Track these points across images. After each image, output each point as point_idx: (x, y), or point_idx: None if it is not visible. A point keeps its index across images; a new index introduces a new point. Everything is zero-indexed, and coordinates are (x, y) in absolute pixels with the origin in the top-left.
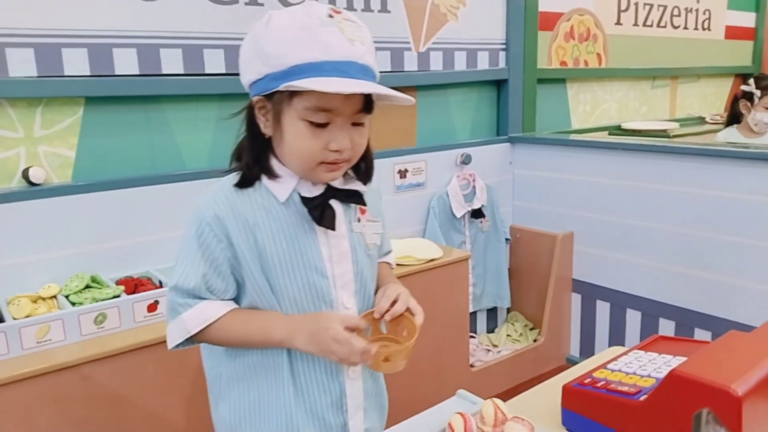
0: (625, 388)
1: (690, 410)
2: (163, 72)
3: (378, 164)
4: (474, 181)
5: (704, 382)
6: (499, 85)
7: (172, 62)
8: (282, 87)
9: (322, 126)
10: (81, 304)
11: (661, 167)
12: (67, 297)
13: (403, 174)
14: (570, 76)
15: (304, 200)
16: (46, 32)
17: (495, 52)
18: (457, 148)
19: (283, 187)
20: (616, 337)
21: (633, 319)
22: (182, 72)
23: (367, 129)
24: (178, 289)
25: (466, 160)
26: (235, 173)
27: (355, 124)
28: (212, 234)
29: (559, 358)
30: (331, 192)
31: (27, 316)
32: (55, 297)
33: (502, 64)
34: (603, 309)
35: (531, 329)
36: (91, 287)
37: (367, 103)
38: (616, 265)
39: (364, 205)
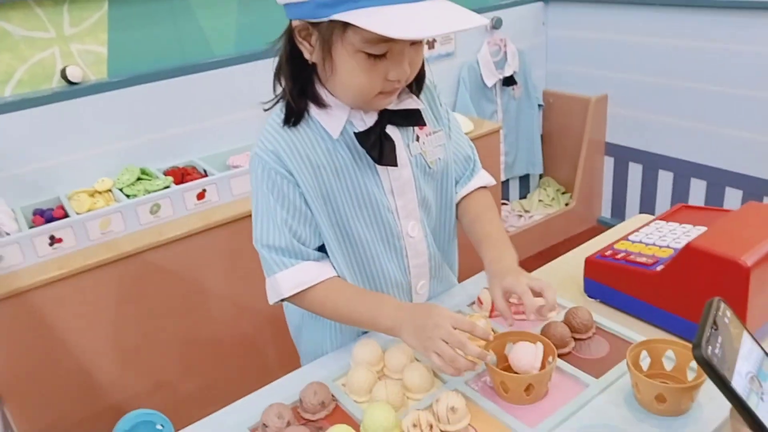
0: (643, 259)
1: (702, 280)
2: None
3: None
4: (505, 46)
5: (715, 254)
6: None
7: None
8: (336, 17)
9: (380, 57)
10: (135, 196)
11: (703, 23)
12: (120, 190)
13: (431, 44)
14: None
15: (359, 137)
16: None
17: None
18: (487, 11)
19: (334, 120)
20: (648, 198)
21: (665, 180)
22: None
23: (423, 41)
24: (265, 246)
25: (497, 24)
26: (279, 108)
27: (414, 43)
28: (279, 176)
29: (590, 221)
30: (386, 117)
31: (88, 210)
32: (109, 190)
33: None
34: (635, 171)
35: (563, 194)
36: (141, 179)
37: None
38: (649, 126)
39: (423, 123)
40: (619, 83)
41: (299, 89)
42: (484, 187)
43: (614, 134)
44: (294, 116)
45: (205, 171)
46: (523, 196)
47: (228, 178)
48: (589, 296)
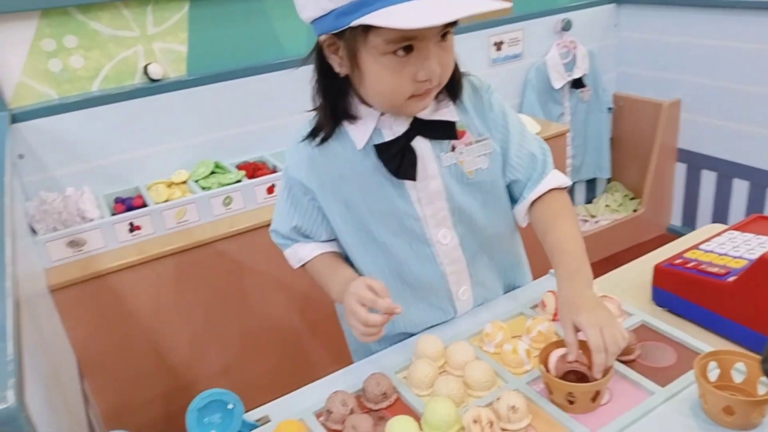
0: (715, 269)
1: None
2: None
3: (472, 38)
4: (575, 48)
5: None
6: None
7: None
8: (355, 23)
9: (406, 55)
10: (209, 188)
11: None
12: (196, 182)
13: (498, 46)
14: None
15: (380, 149)
16: None
17: None
18: (557, 13)
19: (362, 130)
20: (721, 208)
21: (739, 189)
22: None
23: (453, 41)
24: (275, 233)
25: (567, 26)
26: (309, 121)
27: (441, 39)
28: (299, 191)
29: (659, 228)
30: (417, 127)
31: (165, 200)
32: (185, 182)
33: None
34: (708, 179)
35: (631, 199)
36: (215, 172)
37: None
38: (724, 132)
39: (455, 137)
40: (692, 87)
41: (332, 105)
42: (558, 189)
43: (687, 140)
44: (323, 132)
45: (274, 167)
46: (589, 201)
47: None
48: (658, 305)
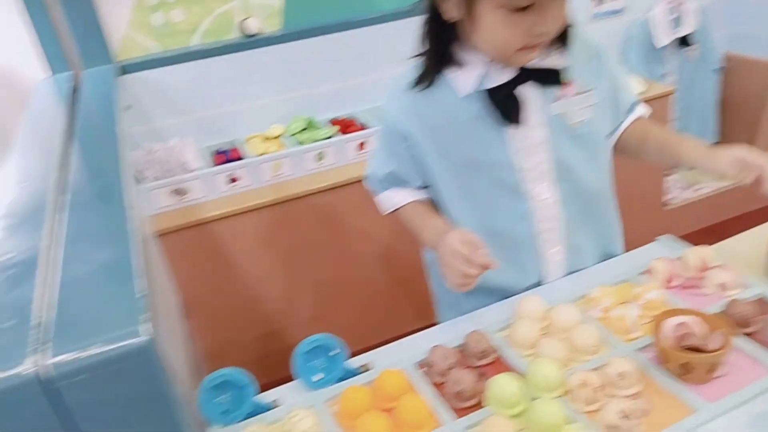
0: None
1: None
2: None
3: None
4: (683, 3)
5: None
6: None
7: None
8: None
9: (524, 10)
10: (302, 143)
11: None
12: (290, 136)
13: (599, 0)
14: None
15: (488, 93)
16: None
17: None
18: None
19: (467, 77)
20: None
21: None
22: None
23: None
24: (369, 178)
25: None
26: (413, 66)
27: None
28: (395, 136)
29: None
30: (524, 74)
31: (261, 154)
32: (280, 137)
33: None
34: None
35: None
36: (308, 128)
37: None
38: None
39: (559, 84)
40: None
41: (439, 51)
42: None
43: None
44: (427, 79)
45: (364, 123)
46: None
47: None
48: None
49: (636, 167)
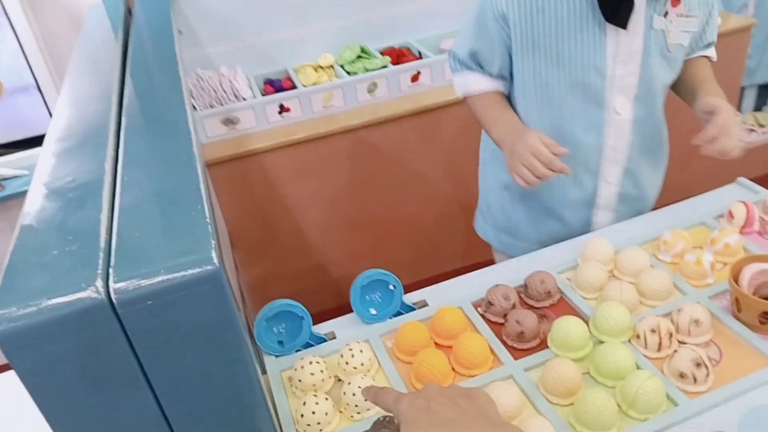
0: None
1: None
2: None
3: None
4: None
5: None
6: None
7: None
8: None
9: None
10: (355, 73)
11: None
12: (341, 66)
13: None
14: None
15: None
16: None
17: None
18: None
19: None
20: None
21: None
22: None
23: None
24: (452, 54)
25: None
26: None
27: None
28: (491, 15)
29: None
30: None
31: (313, 84)
32: (331, 66)
33: None
34: None
35: None
36: (361, 57)
37: None
38: None
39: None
40: None
41: None
42: (709, 58)
43: None
44: None
45: (420, 53)
46: (758, 108)
47: (441, 62)
48: None
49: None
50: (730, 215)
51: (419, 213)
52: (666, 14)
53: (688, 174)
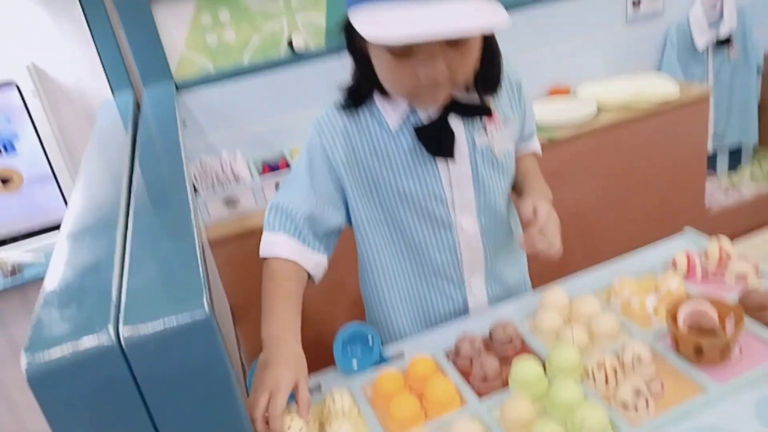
0: None
1: None
2: None
3: None
4: (722, 3)
5: None
6: None
7: None
8: (349, 16)
9: (407, 54)
10: None
11: None
12: None
13: (636, 4)
14: None
15: (418, 130)
16: None
17: None
18: None
19: (396, 110)
20: None
21: None
22: None
23: (476, 42)
24: (278, 209)
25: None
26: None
27: (451, 44)
28: (325, 165)
29: None
30: (451, 106)
31: None
32: None
33: None
34: None
35: None
36: None
37: None
38: None
39: (489, 114)
40: None
41: (363, 78)
42: (536, 154)
43: None
44: (354, 100)
45: None
46: (732, 169)
47: None
48: None
49: (677, 174)
50: (674, 264)
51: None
52: (485, 129)
53: (644, 229)
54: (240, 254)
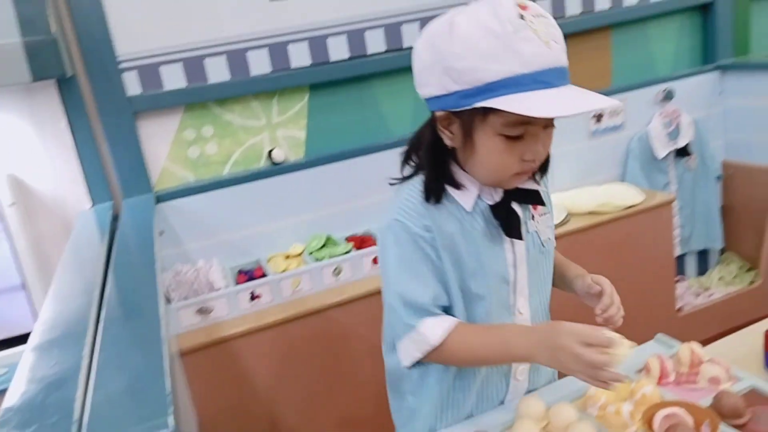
0: None
1: None
2: (369, 52)
3: None
4: (678, 117)
5: None
6: (704, 9)
7: (375, 42)
8: (479, 105)
9: (518, 138)
10: (321, 259)
11: None
12: (310, 254)
13: (598, 118)
14: None
15: (492, 209)
16: (275, 32)
17: None
18: (658, 83)
19: (468, 195)
20: None
21: None
22: (385, 49)
23: (553, 127)
24: (409, 302)
25: (669, 96)
26: (416, 183)
27: (546, 127)
28: (423, 241)
29: None
30: (511, 194)
31: (283, 271)
32: (300, 254)
33: None
34: None
35: (747, 271)
36: (327, 245)
37: None
38: None
39: (542, 203)
40: None
41: (438, 174)
42: None
43: None
44: (434, 196)
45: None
46: (701, 273)
47: None
48: None
49: (647, 277)
50: (648, 369)
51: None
52: (533, 217)
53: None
54: (211, 365)
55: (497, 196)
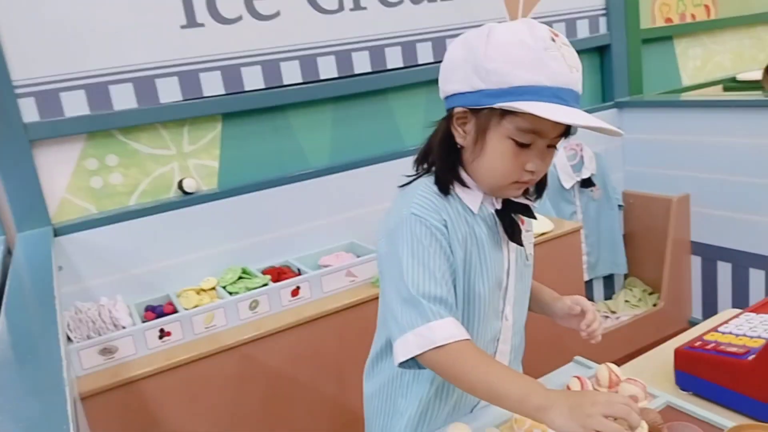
0: (734, 349)
1: None
2: (285, 83)
3: None
4: (581, 150)
5: None
6: (601, 50)
7: (291, 73)
8: (501, 106)
9: (526, 146)
10: (236, 293)
11: None
12: (224, 287)
13: None
14: (677, 32)
15: (497, 214)
16: (186, 60)
17: (595, 19)
18: None
19: (474, 198)
20: (740, 297)
21: (756, 278)
22: (300, 81)
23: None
24: (421, 294)
25: (572, 130)
26: (426, 177)
27: (549, 146)
28: (440, 233)
29: (680, 321)
30: (509, 205)
31: (195, 306)
32: (214, 288)
33: (603, 29)
34: (725, 270)
35: (650, 294)
36: (242, 278)
37: (568, 127)
38: (736, 224)
39: (534, 217)
40: (700, 183)
41: (448, 169)
42: None
43: (700, 233)
44: (444, 188)
45: (299, 270)
46: (608, 297)
47: (319, 276)
48: (682, 388)
49: None
50: (568, 389)
51: (312, 425)
52: (521, 231)
53: (533, 357)
54: (116, 408)
55: (497, 204)
